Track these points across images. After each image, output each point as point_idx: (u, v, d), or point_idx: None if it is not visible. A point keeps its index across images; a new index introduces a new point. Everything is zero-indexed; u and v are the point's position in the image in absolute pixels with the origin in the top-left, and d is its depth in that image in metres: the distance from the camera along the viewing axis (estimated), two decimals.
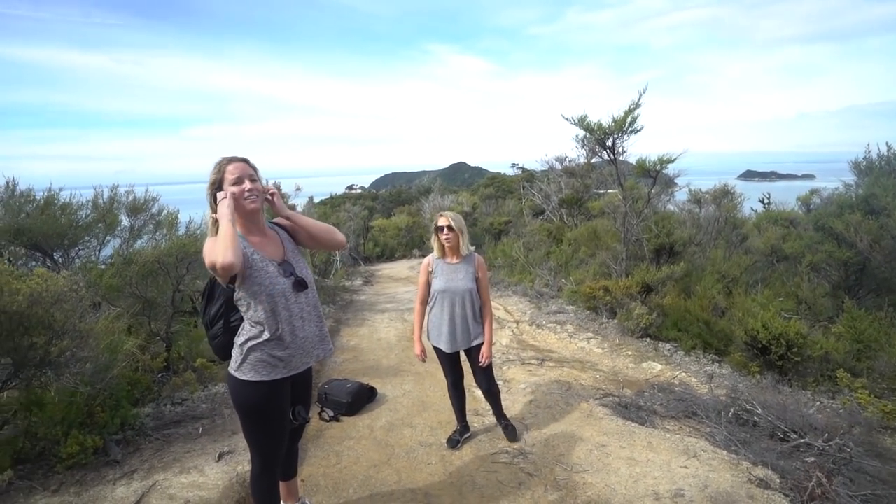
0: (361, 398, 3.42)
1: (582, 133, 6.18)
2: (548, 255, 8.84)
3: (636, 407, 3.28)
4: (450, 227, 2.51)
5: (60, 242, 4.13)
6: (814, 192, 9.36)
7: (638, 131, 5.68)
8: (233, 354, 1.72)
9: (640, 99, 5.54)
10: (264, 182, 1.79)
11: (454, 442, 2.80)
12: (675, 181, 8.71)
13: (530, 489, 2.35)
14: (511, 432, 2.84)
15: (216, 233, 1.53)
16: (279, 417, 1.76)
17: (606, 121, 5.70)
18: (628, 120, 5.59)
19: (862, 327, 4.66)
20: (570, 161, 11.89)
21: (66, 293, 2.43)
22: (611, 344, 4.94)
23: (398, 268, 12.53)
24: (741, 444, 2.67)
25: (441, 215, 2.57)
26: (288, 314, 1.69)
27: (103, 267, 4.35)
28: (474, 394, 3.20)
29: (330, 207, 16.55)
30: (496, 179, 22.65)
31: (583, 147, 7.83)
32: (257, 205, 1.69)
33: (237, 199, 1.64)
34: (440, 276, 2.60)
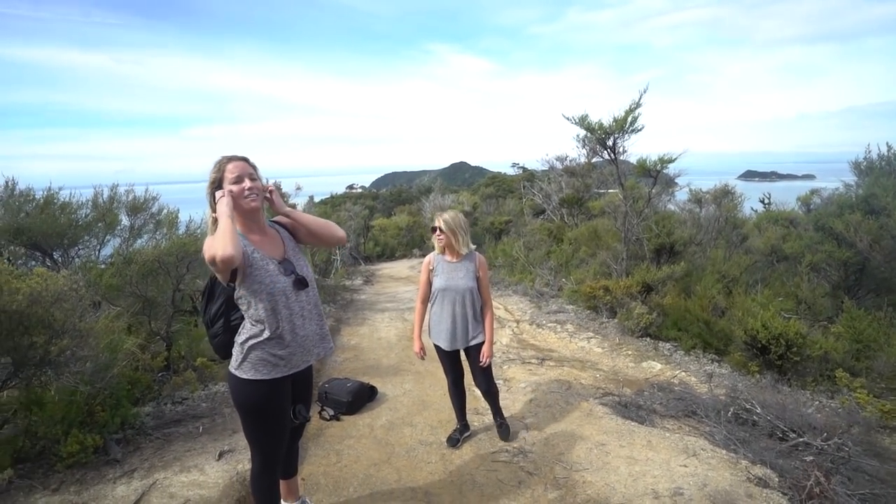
0: (362, 397, 3.43)
1: (583, 133, 6.19)
2: (548, 255, 8.84)
3: (636, 406, 3.29)
4: (440, 229, 2.52)
5: (60, 242, 4.13)
6: (814, 192, 9.36)
7: (639, 131, 5.68)
8: (233, 353, 1.72)
9: (640, 98, 5.55)
10: (264, 181, 1.80)
11: (454, 441, 2.80)
12: (676, 181, 8.71)
13: (530, 488, 2.36)
14: (504, 431, 2.83)
15: (216, 231, 1.54)
16: (280, 416, 1.76)
17: (607, 120, 5.70)
18: (629, 119, 5.59)
19: (861, 327, 4.66)
20: (570, 161, 11.89)
21: (66, 292, 2.43)
22: (611, 343, 4.94)
23: (398, 267, 12.54)
24: (740, 443, 2.67)
25: (436, 216, 2.59)
26: (288, 312, 1.70)
27: (103, 266, 4.36)
28: (474, 392, 3.20)
29: (330, 207, 16.55)
30: (497, 179, 22.65)
31: (583, 147, 7.83)
32: (257, 203, 1.69)
33: (237, 198, 1.65)
34: (440, 274, 2.60)
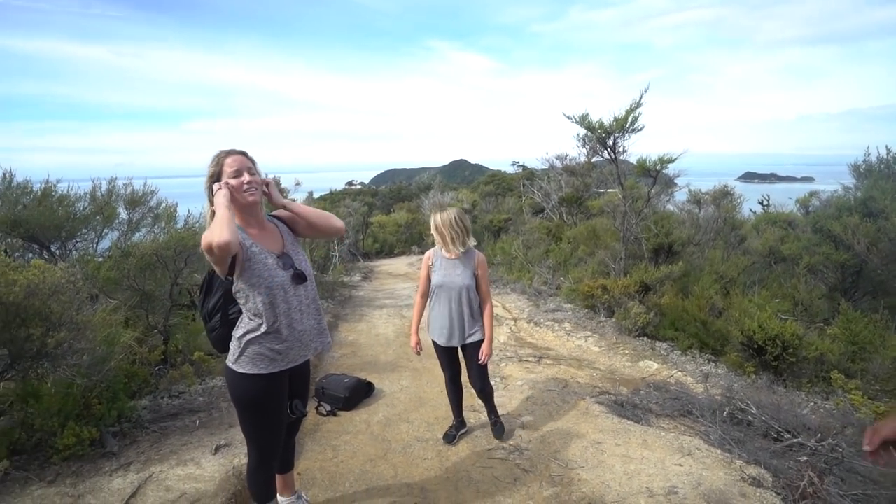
0: (359, 393, 3.43)
1: (583, 131, 6.18)
2: (547, 254, 8.86)
3: (632, 405, 3.30)
4: (435, 228, 2.54)
5: (58, 234, 4.12)
6: (813, 194, 9.38)
7: (639, 130, 5.68)
8: (231, 347, 1.72)
9: (641, 98, 5.54)
10: (262, 175, 1.79)
11: (450, 437, 2.81)
12: (675, 181, 8.73)
13: (526, 485, 2.37)
14: (498, 430, 2.83)
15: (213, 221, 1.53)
16: (276, 411, 1.76)
17: (608, 120, 5.69)
18: (629, 119, 5.59)
19: (857, 329, 4.68)
20: (570, 159, 11.89)
21: (64, 285, 2.43)
22: (608, 342, 4.96)
23: (397, 264, 12.54)
24: (735, 443, 2.69)
25: (432, 213, 2.59)
26: (286, 307, 1.69)
27: (101, 259, 4.35)
28: (471, 390, 3.21)
29: (329, 203, 16.53)
30: (496, 177, 22.63)
31: (583, 146, 7.83)
32: (256, 197, 1.69)
33: (236, 192, 1.64)
34: (438, 270, 2.60)
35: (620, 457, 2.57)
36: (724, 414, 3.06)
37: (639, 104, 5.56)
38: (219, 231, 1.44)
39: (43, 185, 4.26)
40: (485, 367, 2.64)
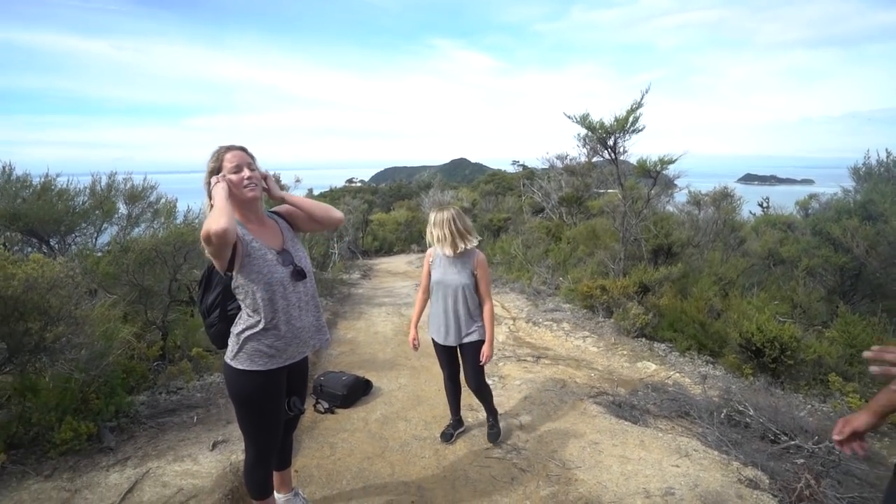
0: (357, 391, 3.43)
1: (583, 132, 6.18)
2: (546, 253, 8.86)
3: (630, 406, 3.31)
4: (431, 226, 2.54)
5: (57, 229, 4.11)
6: (812, 196, 9.39)
7: (640, 131, 5.67)
8: (229, 343, 1.72)
9: (642, 99, 5.53)
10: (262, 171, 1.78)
11: (448, 436, 2.81)
12: (675, 182, 8.72)
13: (523, 484, 2.37)
14: (493, 435, 2.78)
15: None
16: (274, 408, 1.76)
17: (608, 120, 5.69)
18: (630, 119, 5.58)
19: (855, 332, 4.69)
20: (570, 159, 11.89)
21: (62, 279, 2.42)
22: (606, 343, 4.96)
23: (396, 262, 12.53)
24: (732, 444, 2.69)
25: (431, 213, 2.59)
26: (285, 303, 1.69)
27: (100, 254, 4.34)
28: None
29: (329, 200, 16.52)
30: (496, 176, 22.63)
31: (584, 146, 7.82)
32: (256, 193, 1.68)
33: (236, 187, 1.64)
34: (437, 267, 2.61)
35: (618, 457, 2.57)
36: (722, 415, 3.07)
37: (640, 105, 5.55)
38: (216, 219, 1.44)
39: (42, 179, 4.25)
40: (481, 367, 2.63)
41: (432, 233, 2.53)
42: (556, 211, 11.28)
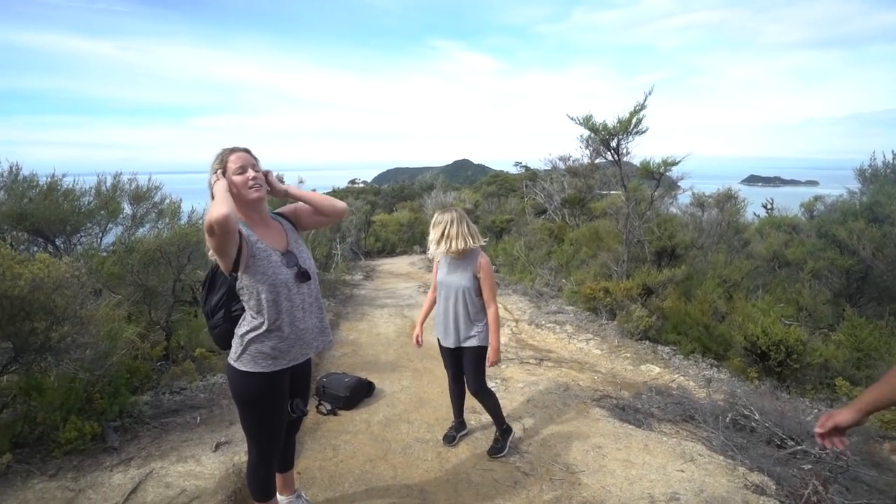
0: (359, 392, 3.43)
1: (586, 133, 6.18)
2: (549, 255, 8.84)
3: (633, 409, 3.29)
4: (432, 226, 2.54)
5: (62, 228, 4.14)
6: (817, 198, 9.33)
7: (643, 133, 5.66)
8: (233, 345, 1.72)
9: (645, 101, 5.52)
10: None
11: (450, 438, 2.80)
12: (679, 184, 8.69)
13: (526, 488, 2.36)
14: (494, 450, 2.65)
15: None
16: (277, 409, 1.76)
17: (611, 121, 5.68)
18: (633, 121, 5.57)
19: (862, 336, 4.65)
20: (573, 161, 11.87)
21: (68, 279, 2.43)
22: (610, 345, 4.94)
23: (399, 263, 12.54)
24: (738, 449, 2.67)
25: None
26: (289, 305, 1.69)
27: (105, 254, 4.36)
28: None
29: None
30: (499, 177, 22.61)
31: (587, 147, 7.81)
32: (261, 193, 1.69)
33: (241, 188, 1.64)
34: (441, 268, 2.61)
35: (622, 461, 2.56)
36: (727, 420, 3.04)
37: (643, 106, 5.54)
38: (216, 206, 1.45)
39: (49, 180, 4.28)
40: (481, 371, 2.58)
41: (433, 233, 2.53)
42: (559, 212, 11.26)
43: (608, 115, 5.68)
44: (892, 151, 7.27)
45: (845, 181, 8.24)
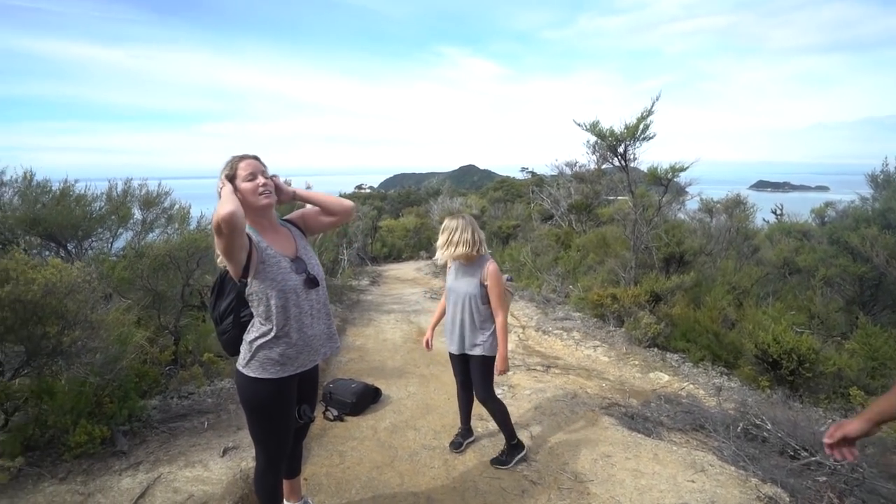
0: (366, 399, 3.42)
1: (593, 139, 6.16)
2: (556, 261, 8.80)
3: (642, 417, 3.24)
4: (441, 231, 2.54)
5: (74, 233, 4.20)
6: (829, 204, 9.21)
7: (650, 139, 5.64)
8: (241, 351, 1.73)
9: (653, 106, 5.50)
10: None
11: (457, 445, 2.78)
12: (687, 190, 8.64)
13: (534, 497, 2.33)
14: (498, 461, 2.61)
15: None
16: (285, 415, 1.76)
17: (618, 127, 5.66)
18: (640, 127, 5.55)
19: (877, 344, 4.56)
20: (580, 167, 11.85)
21: (80, 284, 2.46)
22: (617, 352, 4.89)
23: (405, 269, 12.55)
24: (750, 459, 2.62)
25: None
26: (298, 311, 1.70)
27: (115, 259, 4.41)
28: None
29: None
30: (505, 183, 22.62)
31: (593, 153, 7.79)
32: (271, 200, 1.70)
33: (251, 195, 1.66)
34: (450, 273, 2.61)
35: (631, 471, 2.52)
36: (738, 429, 2.99)
37: (650, 112, 5.52)
38: (223, 205, 1.47)
39: (61, 185, 4.36)
40: (488, 380, 2.56)
41: (440, 238, 2.53)
42: (566, 218, 11.22)
43: (614, 121, 5.67)
44: None
45: (856, 186, 8.14)
